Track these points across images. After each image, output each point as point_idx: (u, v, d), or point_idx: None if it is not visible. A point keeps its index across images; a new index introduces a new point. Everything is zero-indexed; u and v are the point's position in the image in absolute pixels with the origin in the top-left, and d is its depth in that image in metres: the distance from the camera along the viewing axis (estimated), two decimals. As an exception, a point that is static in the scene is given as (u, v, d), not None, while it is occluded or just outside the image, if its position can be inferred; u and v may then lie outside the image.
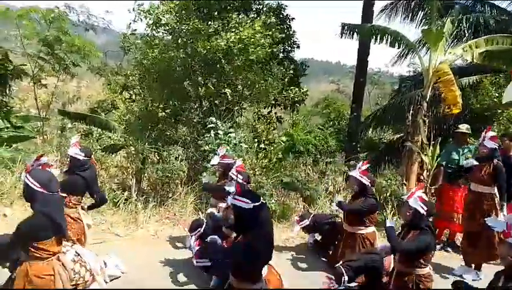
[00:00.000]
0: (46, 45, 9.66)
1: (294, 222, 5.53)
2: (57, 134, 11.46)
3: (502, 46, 7.33)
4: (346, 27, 8.58)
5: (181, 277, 4.56)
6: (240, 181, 4.58)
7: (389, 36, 7.77)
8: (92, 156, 4.66)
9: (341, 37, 8.56)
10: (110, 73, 12.82)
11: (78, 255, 3.66)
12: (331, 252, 5.29)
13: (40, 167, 3.27)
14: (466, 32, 9.09)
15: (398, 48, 8.76)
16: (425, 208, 3.65)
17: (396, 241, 3.75)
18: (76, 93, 17.00)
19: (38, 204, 3.04)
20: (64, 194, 4.05)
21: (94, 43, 10.93)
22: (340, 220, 5.44)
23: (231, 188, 4.25)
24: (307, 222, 5.32)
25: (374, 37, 7.99)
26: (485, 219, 3.23)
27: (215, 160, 5.45)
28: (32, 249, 3.08)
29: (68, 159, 4.56)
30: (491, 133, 4.99)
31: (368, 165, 5.04)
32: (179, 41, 7.59)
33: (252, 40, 7.28)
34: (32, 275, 3.08)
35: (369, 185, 4.92)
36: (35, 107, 11.28)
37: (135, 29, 8.83)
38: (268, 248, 3.00)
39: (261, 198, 2.98)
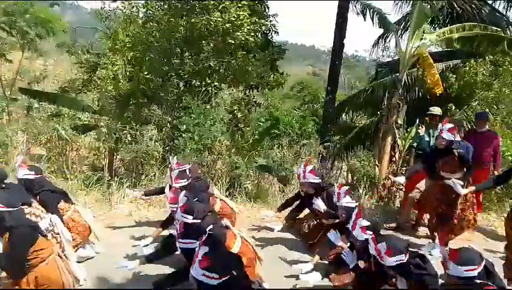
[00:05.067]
0: (7, 15, 9.05)
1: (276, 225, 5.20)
2: (23, 114, 10.95)
3: (471, 32, 7.51)
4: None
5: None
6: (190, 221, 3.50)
7: (373, 13, 7.87)
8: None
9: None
10: (81, 51, 12.26)
11: (53, 225, 3.69)
12: (307, 231, 5.17)
13: None
14: (442, 19, 9.26)
15: (380, 27, 8.81)
16: (371, 234, 3.47)
17: None
18: (42, 72, 16.19)
19: (8, 222, 3.13)
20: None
21: (60, 17, 10.39)
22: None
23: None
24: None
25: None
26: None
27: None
28: (31, 257, 3.16)
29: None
30: (448, 125, 5.03)
31: (311, 166, 4.94)
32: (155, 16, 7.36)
33: (237, 22, 7.11)
34: (43, 278, 3.19)
35: (321, 181, 4.92)
36: (-1, 85, 10.72)
37: (103, 7, 8.50)
38: None
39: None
